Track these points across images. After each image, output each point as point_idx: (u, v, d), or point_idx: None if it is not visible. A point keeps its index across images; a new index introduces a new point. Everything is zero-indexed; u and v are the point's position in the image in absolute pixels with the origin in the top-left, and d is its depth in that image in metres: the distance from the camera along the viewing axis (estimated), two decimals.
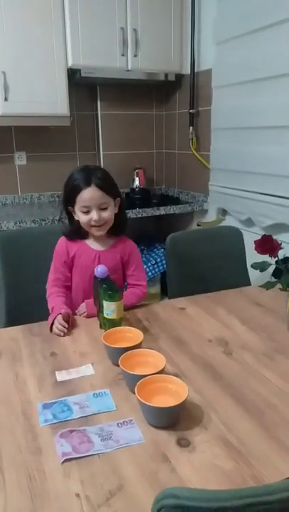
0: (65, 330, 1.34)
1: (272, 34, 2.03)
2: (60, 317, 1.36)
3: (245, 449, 0.85)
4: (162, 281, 2.92)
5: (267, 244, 1.16)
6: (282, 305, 1.51)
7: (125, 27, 2.59)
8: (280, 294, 1.58)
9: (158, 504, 0.50)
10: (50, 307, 1.44)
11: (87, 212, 1.43)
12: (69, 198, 1.46)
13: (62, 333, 1.33)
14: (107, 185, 1.45)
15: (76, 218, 1.48)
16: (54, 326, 1.35)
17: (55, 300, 1.45)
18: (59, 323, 1.35)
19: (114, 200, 1.48)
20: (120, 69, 2.65)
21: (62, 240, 1.54)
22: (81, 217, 1.45)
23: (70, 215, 1.51)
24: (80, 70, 2.56)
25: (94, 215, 1.42)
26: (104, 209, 1.44)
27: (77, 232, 1.51)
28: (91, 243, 1.53)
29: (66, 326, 1.35)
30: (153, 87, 3.11)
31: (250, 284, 1.90)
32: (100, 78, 2.67)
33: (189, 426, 0.92)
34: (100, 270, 1.32)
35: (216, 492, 0.48)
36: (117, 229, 1.53)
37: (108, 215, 1.45)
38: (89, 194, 1.41)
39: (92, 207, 1.42)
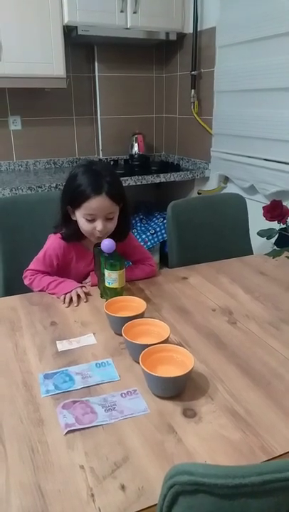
0: (77, 303, 1.30)
1: None
2: (81, 289, 1.33)
3: (252, 420, 0.83)
4: (161, 251, 2.88)
5: (276, 210, 1.11)
6: (287, 274, 1.48)
7: None
8: (284, 263, 1.54)
9: (170, 481, 0.48)
10: (55, 283, 1.37)
11: (91, 221, 1.30)
12: (72, 203, 1.31)
13: (75, 304, 1.29)
14: (118, 192, 1.31)
15: (74, 219, 1.35)
16: (73, 292, 1.31)
17: (61, 280, 1.38)
18: (78, 293, 1.31)
19: (119, 206, 1.34)
20: (119, 27, 2.52)
21: (57, 242, 1.40)
22: (84, 224, 1.31)
23: (67, 216, 1.36)
24: (76, 27, 2.43)
25: (99, 225, 1.29)
26: (110, 219, 1.32)
27: (75, 235, 1.38)
28: (88, 244, 1.41)
29: (84, 298, 1.31)
30: (153, 48, 2.97)
31: (252, 253, 1.87)
32: (97, 37, 2.53)
33: (195, 396, 0.89)
34: (108, 244, 1.23)
35: (232, 468, 0.46)
36: (117, 236, 1.35)
37: (113, 225, 1.33)
38: (98, 203, 1.27)
39: (98, 216, 1.29)
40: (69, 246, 1.41)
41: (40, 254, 1.42)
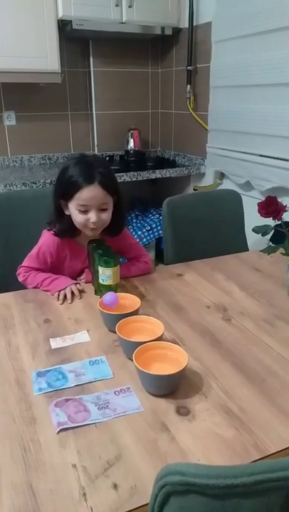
0: (71, 300, 1.29)
1: None
2: (75, 286, 1.32)
3: (246, 417, 0.83)
4: (157, 248, 2.87)
5: (271, 207, 1.11)
6: (282, 270, 1.47)
7: None
8: (279, 259, 1.54)
9: (161, 481, 0.47)
10: (49, 280, 1.36)
11: (84, 212, 1.28)
12: (64, 194, 1.29)
13: (69, 301, 1.28)
14: (111, 182, 1.29)
15: (67, 213, 1.33)
16: (67, 289, 1.30)
17: (55, 277, 1.38)
18: (72, 290, 1.31)
19: (113, 197, 1.33)
20: (114, 21, 2.49)
21: (51, 239, 1.38)
22: (77, 216, 1.29)
23: (60, 211, 1.34)
24: (71, 21, 2.40)
25: (92, 216, 1.27)
26: (104, 210, 1.30)
27: (69, 231, 1.35)
28: (82, 241, 1.39)
29: (77, 295, 1.31)
30: (149, 43, 2.95)
31: (248, 250, 1.86)
32: (92, 31, 2.51)
33: (189, 394, 0.89)
34: (109, 299, 1.12)
35: (224, 468, 0.45)
36: (112, 230, 1.37)
37: (108, 216, 1.31)
38: (91, 193, 1.25)
39: (91, 207, 1.27)
40: (63, 243, 1.39)
41: (34, 251, 1.40)
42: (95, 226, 1.30)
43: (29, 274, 1.39)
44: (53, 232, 1.38)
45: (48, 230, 1.40)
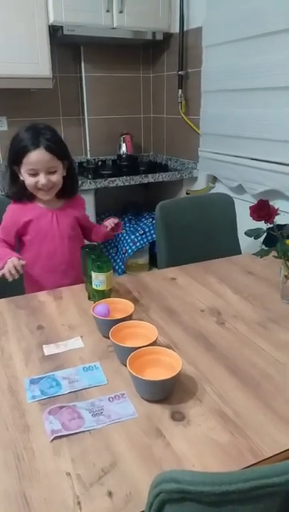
0: (17, 275, 1.29)
1: None
2: (15, 259, 1.31)
3: (241, 421, 0.82)
4: (151, 252, 2.87)
5: (263, 210, 1.11)
6: (275, 273, 1.47)
7: None
8: (272, 262, 1.54)
9: (156, 489, 0.47)
10: None
11: (34, 175, 1.37)
12: (15, 159, 1.38)
13: (14, 276, 1.28)
14: (57, 147, 1.37)
15: (22, 179, 1.41)
16: (6, 267, 1.29)
17: (2, 249, 1.40)
18: (14, 265, 1.29)
19: (63, 163, 1.42)
20: (105, 26, 2.50)
21: (13, 207, 1.47)
22: (27, 179, 1.38)
23: (15, 176, 1.42)
24: (62, 27, 2.40)
25: (42, 178, 1.36)
26: (53, 172, 1.38)
27: (24, 194, 1.44)
28: (42, 204, 1.47)
29: (20, 270, 1.30)
30: (140, 48, 2.96)
31: (241, 253, 1.87)
32: (83, 37, 2.51)
33: (183, 399, 0.88)
34: (101, 309, 1.11)
35: (219, 475, 0.45)
36: (67, 192, 1.48)
37: (57, 178, 1.40)
38: (37, 156, 1.34)
39: (40, 170, 1.36)
40: (25, 209, 1.45)
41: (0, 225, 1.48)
42: (44, 188, 1.39)
43: None
44: (12, 202, 1.46)
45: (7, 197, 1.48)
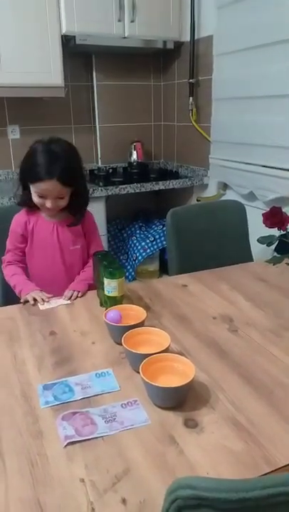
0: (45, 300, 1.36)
1: None
2: (38, 291, 1.37)
3: (254, 429, 0.82)
4: (161, 258, 2.87)
5: (276, 217, 1.11)
6: (287, 280, 1.47)
7: None
8: (284, 270, 1.53)
9: (172, 495, 0.47)
10: (18, 287, 1.43)
11: (42, 197, 1.37)
12: (27, 177, 1.38)
13: (32, 302, 1.34)
14: (71, 177, 1.36)
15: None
16: (29, 296, 1.35)
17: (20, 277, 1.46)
18: (39, 296, 1.36)
19: (73, 186, 1.40)
20: (117, 36, 2.53)
21: (16, 216, 1.49)
22: (35, 197, 1.38)
23: (25, 185, 1.42)
24: (74, 37, 2.44)
25: (48, 203, 1.37)
26: (61, 198, 1.39)
27: (31, 202, 1.43)
28: (46, 215, 1.48)
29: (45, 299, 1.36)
30: (151, 56, 2.99)
31: (252, 260, 1.86)
32: (95, 46, 2.55)
33: (196, 406, 0.88)
34: (113, 316, 1.13)
35: (236, 482, 0.44)
36: (72, 208, 1.45)
37: (64, 202, 1.40)
38: (48, 186, 1.33)
39: (48, 196, 1.36)
40: (29, 216, 1.47)
41: (9, 237, 1.51)
42: (50, 212, 1.42)
43: (5, 266, 1.50)
44: (25, 209, 1.48)
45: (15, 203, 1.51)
